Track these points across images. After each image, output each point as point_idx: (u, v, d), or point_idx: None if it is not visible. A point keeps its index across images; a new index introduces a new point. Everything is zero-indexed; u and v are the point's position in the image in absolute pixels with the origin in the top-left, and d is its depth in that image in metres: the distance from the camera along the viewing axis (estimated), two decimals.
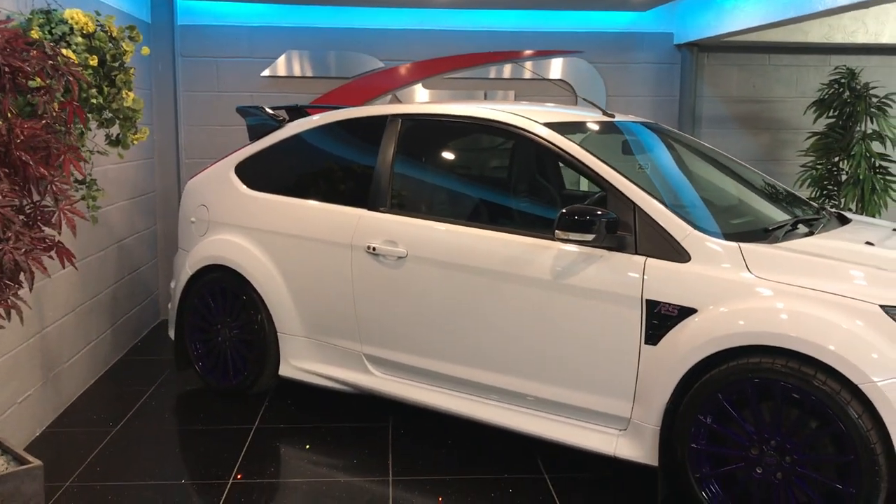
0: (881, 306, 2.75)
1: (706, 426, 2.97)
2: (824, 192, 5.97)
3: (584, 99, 4.68)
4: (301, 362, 4.11)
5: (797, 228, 3.47)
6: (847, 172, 5.83)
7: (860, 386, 2.67)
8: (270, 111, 4.53)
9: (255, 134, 4.51)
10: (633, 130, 4.16)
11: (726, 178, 4.18)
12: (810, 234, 3.41)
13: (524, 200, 3.97)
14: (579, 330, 3.26)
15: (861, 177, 5.68)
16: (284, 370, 4.16)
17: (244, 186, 4.36)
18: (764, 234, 3.28)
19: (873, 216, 5.64)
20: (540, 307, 3.34)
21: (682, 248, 3.09)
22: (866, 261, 3.03)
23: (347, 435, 3.93)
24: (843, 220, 3.85)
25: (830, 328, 2.77)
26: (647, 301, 3.09)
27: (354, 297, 3.84)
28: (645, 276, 3.11)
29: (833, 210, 4.10)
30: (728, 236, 3.14)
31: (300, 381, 4.13)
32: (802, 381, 2.76)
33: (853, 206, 5.77)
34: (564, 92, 6.15)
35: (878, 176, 5.77)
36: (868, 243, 3.27)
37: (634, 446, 3.16)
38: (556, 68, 6.22)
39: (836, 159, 5.89)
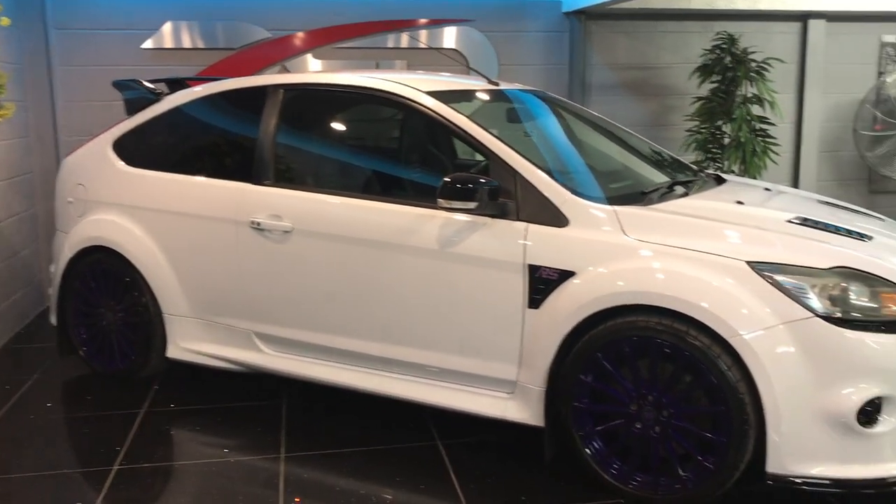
0: (747, 262, 2.86)
1: (588, 385, 3.04)
2: (709, 156, 6.16)
3: (471, 68, 4.68)
4: (190, 343, 4.01)
5: (674, 190, 3.57)
6: (730, 136, 6.03)
7: (729, 340, 2.78)
8: (148, 84, 4.36)
9: (133, 108, 4.34)
10: (518, 98, 4.18)
11: (610, 143, 4.27)
12: (685, 195, 3.52)
13: (412, 170, 3.96)
14: (466, 298, 3.28)
15: (743, 139, 5.89)
16: (172, 352, 4.05)
17: (122, 163, 4.20)
18: (641, 196, 3.36)
19: (754, 177, 5.87)
20: (428, 277, 3.34)
21: (561, 212, 3.14)
22: (735, 219, 3.15)
23: (240, 414, 3.86)
24: (720, 182, 3.98)
25: (702, 286, 2.87)
26: (529, 266, 3.13)
27: (241, 274, 3.76)
28: (526, 242, 3.14)
29: (711, 172, 4.24)
30: (606, 200, 3.20)
31: (190, 362, 4.03)
32: (677, 337, 2.86)
33: (736, 168, 5.99)
34: (457, 62, 6.13)
35: (759, 138, 6.00)
36: (739, 202, 3.39)
37: (522, 408, 3.21)
38: (449, 38, 6.19)
39: (720, 123, 6.09)
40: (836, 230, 3.15)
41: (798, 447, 2.76)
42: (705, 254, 2.91)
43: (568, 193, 3.17)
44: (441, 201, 3.17)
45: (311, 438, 3.57)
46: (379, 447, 3.48)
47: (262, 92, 3.87)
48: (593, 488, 3.06)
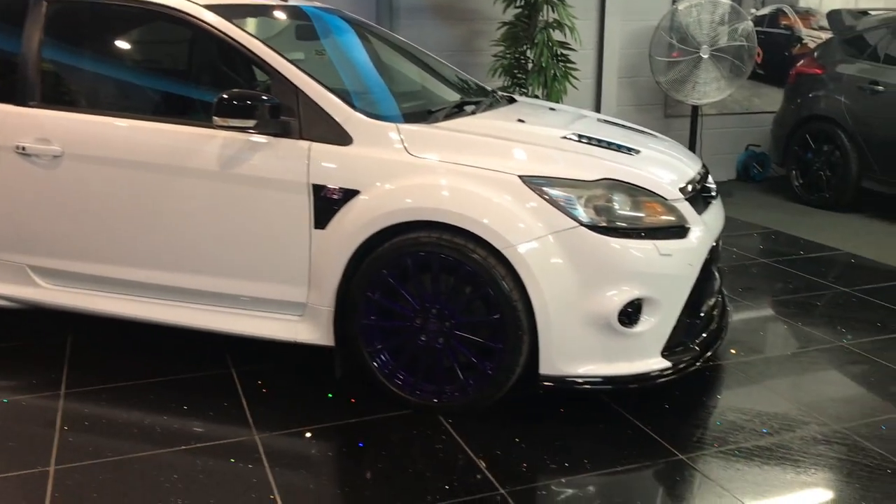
0: (520, 177, 2.96)
1: (375, 302, 3.07)
2: (515, 81, 6.28)
3: None
4: None
5: (463, 110, 3.61)
6: (533, 61, 6.17)
7: (503, 251, 2.88)
8: None
9: None
10: (311, 16, 4.06)
11: (406, 64, 4.25)
12: (472, 114, 3.57)
13: (194, 89, 3.77)
14: (252, 221, 3.20)
15: (544, 64, 6.03)
16: None
17: None
18: (426, 115, 3.38)
19: (557, 101, 6.06)
20: (210, 200, 3.22)
21: (344, 130, 3.11)
22: (512, 136, 3.24)
23: (18, 354, 3.63)
24: (512, 103, 4.08)
25: (478, 201, 2.94)
26: (313, 185, 3.09)
27: (8, 203, 3.47)
28: (310, 161, 3.09)
29: (504, 94, 4.32)
30: (390, 118, 3.20)
31: None
32: (457, 251, 2.93)
33: (539, 93, 6.16)
34: None
35: (560, 63, 6.17)
36: (520, 120, 3.49)
37: (312, 330, 3.20)
38: None
39: (524, 48, 6.21)
40: (608, 145, 3.32)
41: (567, 349, 2.93)
42: (481, 169, 2.98)
43: (351, 111, 3.13)
44: (217, 119, 3.05)
45: (96, 374, 3.42)
46: (169, 378, 3.39)
47: (22, 4, 3.53)
48: (383, 402, 3.13)
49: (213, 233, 3.26)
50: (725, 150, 7.69)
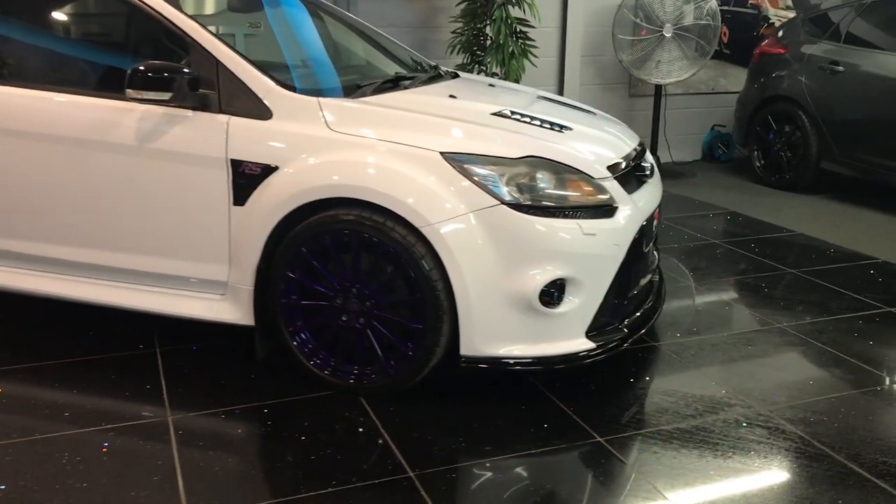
0: (441, 153, 2.88)
1: (295, 281, 3.00)
2: (474, 58, 6.19)
3: None
4: None
5: (397, 85, 3.53)
6: (491, 38, 6.07)
7: (421, 229, 2.81)
8: None
9: None
10: None
11: (354, 40, 4.16)
12: (404, 89, 3.49)
13: (116, 61, 3.65)
14: (170, 196, 3.12)
15: (502, 41, 5.94)
16: None
17: None
18: (353, 89, 3.29)
19: (516, 80, 5.98)
20: (128, 175, 3.14)
21: (264, 104, 3.02)
22: (439, 112, 3.16)
23: None
24: (454, 78, 3.99)
25: (395, 177, 2.86)
26: (232, 161, 3.01)
27: None
28: (228, 136, 3.01)
29: (448, 70, 4.23)
30: (312, 92, 3.11)
31: None
32: (378, 230, 2.86)
33: (498, 71, 6.06)
34: None
35: (519, 41, 6.08)
36: (451, 96, 3.41)
37: (233, 309, 3.13)
38: None
39: (482, 24, 6.11)
40: (539, 122, 3.24)
41: (488, 329, 2.87)
42: (402, 145, 2.91)
43: (272, 84, 3.05)
44: (130, 91, 2.95)
45: (14, 353, 3.33)
46: (90, 358, 3.32)
47: None
48: (305, 383, 3.07)
49: (132, 209, 3.17)
50: (691, 131, 7.63)
